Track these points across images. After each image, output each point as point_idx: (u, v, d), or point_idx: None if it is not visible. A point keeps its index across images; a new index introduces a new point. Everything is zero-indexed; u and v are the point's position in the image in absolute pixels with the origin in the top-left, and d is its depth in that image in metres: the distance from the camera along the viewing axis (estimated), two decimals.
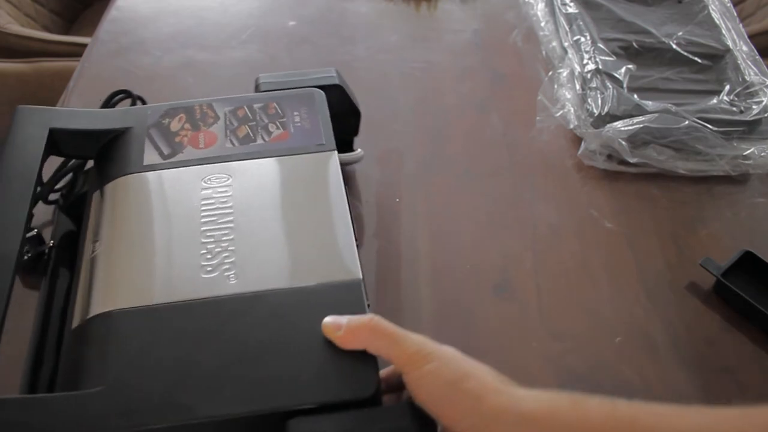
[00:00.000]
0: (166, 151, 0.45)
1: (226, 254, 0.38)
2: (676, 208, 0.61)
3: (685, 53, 0.71)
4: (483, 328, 0.50)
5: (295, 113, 0.48)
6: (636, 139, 0.60)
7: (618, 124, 0.61)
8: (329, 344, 0.34)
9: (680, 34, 0.72)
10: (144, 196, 0.42)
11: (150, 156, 0.44)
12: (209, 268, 0.38)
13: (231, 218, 0.40)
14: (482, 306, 0.52)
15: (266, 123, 0.47)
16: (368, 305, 0.38)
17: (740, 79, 0.68)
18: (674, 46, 0.71)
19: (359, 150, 0.58)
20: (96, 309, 0.36)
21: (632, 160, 0.61)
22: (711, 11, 0.76)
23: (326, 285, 0.37)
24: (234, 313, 0.36)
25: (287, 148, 0.45)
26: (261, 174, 0.44)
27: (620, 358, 0.49)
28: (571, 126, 0.64)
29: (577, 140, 0.65)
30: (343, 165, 0.48)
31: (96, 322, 0.36)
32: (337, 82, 0.53)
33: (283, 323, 0.35)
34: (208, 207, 0.41)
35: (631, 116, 0.61)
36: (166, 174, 0.43)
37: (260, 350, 0.34)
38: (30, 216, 0.41)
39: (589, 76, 0.66)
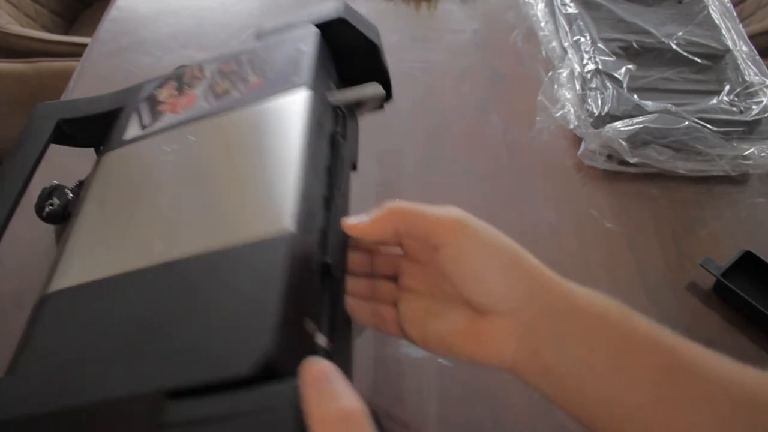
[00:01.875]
0: (146, 122, 0.43)
1: (163, 223, 0.35)
2: (676, 208, 0.61)
3: (685, 53, 0.71)
4: None
5: (280, 56, 0.43)
6: (636, 139, 0.61)
7: (618, 124, 0.61)
8: (220, 316, 0.28)
9: (680, 34, 0.72)
10: (112, 173, 0.41)
11: (131, 130, 0.43)
12: (143, 241, 0.35)
13: (178, 184, 0.37)
14: None
15: (247, 73, 0.43)
16: (327, 265, 0.33)
17: (740, 80, 0.68)
18: (674, 47, 0.71)
19: (373, 84, 0.45)
20: (44, 291, 0.35)
21: (632, 160, 0.61)
22: (711, 11, 0.76)
23: (248, 245, 0.31)
24: (148, 286, 0.32)
25: (258, 95, 0.40)
26: (221, 130, 0.39)
27: None
28: (571, 126, 0.64)
29: (577, 140, 0.65)
30: (356, 107, 0.44)
31: (36, 305, 0.35)
32: (339, 15, 0.45)
33: (187, 294, 0.31)
34: (161, 175, 0.38)
35: (631, 116, 0.61)
36: (135, 147, 0.41)
37: (156, 326, 0.30)
38: (19, 196, 0.41)
39: (589, 76, 0.66)
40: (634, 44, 0.71)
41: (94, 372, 0.29)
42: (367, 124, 0.57)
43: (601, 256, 0.56)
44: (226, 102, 0.41)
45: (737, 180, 0.63)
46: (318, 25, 0.44)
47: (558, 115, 0.66)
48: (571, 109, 0.65)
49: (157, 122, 0.42)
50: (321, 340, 0.30)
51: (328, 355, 0.29)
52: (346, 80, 0.46)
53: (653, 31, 0.72)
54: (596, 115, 0.62)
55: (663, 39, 0.72)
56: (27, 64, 1.04)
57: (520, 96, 0.71)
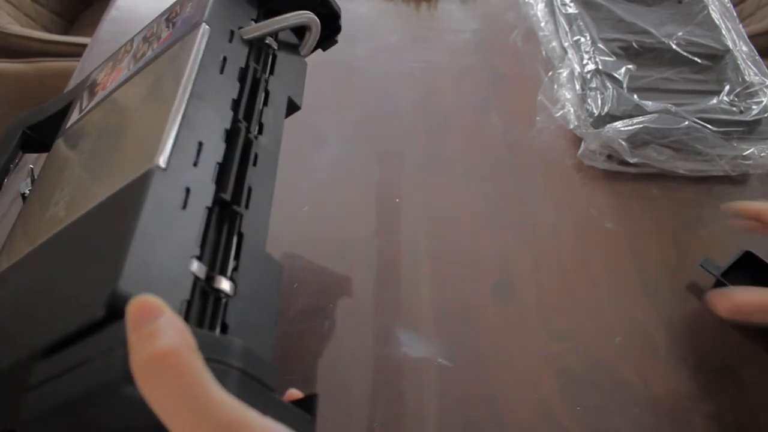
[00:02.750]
0: (84, 105, 0.42)
1: (67, 192, 0.34)
2: (676, 208, 0.61)
3: (685, 53, 0.71)
4: (483, 328, 0.50)
5: (190, 3, 0.41)
6: (636, 139, 0.61)
7: (618, 124, 0.61)
8: (85, 267, 0.27)
9: (680, 34, 0.72)
10: (51, 160, 0.41)
11: (73, 116, 0.42)
12: (52, 215, 0.34)
13: (87, 154, 0.36)
14: (482, 306, 0.52)
15: (162, 30, 0.41)
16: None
17: (740, 80, 0.68)
18: (674, 47, 0.71)
19: (300, 12, 0.41)
20: None
21: (632, 160, 0.61)
22: (711, 11, 0.76)
23: (121, 189, 0.29)
24: (42, 257, 0.31)
25: (165, 47, 0.39)
26: (130, 92, 0.38)
27: (620, 358, 0.49)
28: (571, 126, 0.64)
29: (577, 140, 0.65)
30: (296, 44, 0.43)
31: None
32: None
33: (66, 253, 0.29)
34: (77, 151, 0.38)
35: (631, 116, 0.61)
36: (71, 130, 0.41)
37: (37, 292, 0.29)
38: None
39: (589, 76, 0.66)
40: (634, 44, 0.71)
41: None
42: (367, 124, 0.57)
43: (601, 256, 0.56)
44: (141, 63, 0.40)
45: (737, 180, 0.63)
46: None
47: (558, 115, 0.66)
48: (571, 109, 0.65)
49: (90, 103, 0.42)
50: (222, 284, 0.28)
51: (229, 300, 0.28)
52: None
53: (653, 31, 0.72)
54: (596, 115, 0.62)
55: (663, 39, 0.72)
56: (27, 64, 1.04)
57: (520, 96, 0.71)
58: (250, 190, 0.33)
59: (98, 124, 0.38)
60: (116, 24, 0.78)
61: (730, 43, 0.72)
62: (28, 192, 0.43)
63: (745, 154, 0.62)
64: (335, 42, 0.47)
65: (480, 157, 0.64)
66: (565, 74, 0.69)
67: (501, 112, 0.69)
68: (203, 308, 0.27)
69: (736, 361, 0.49)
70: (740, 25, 0.76)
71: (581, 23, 0.72)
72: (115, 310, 0.23)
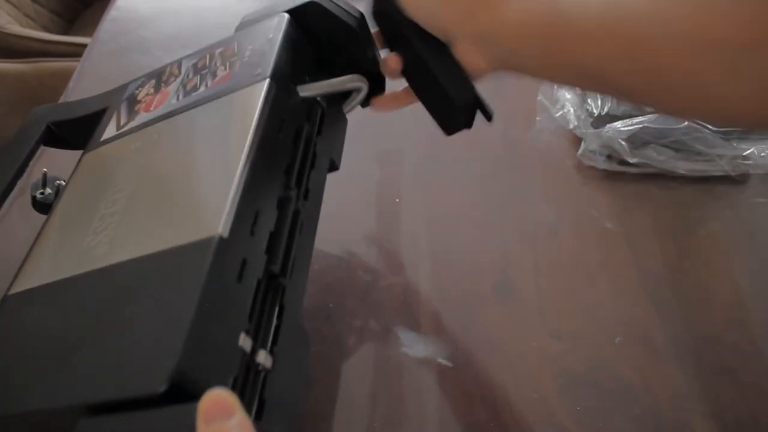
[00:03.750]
0: (123, 122, 0.42)
1: (111, 226, 0.33)
2: (676, 208, 0.61)
3: None
4: (483, 328, 0.50)
5: (249, 47, 0.40)
6: (636, 139, 0.61)
7: (618, 124, 0.61)
8: (139, 329, 0.27)
9: None
10: (83, 175, 0.40)
11: (109, 131, 0.42)
12: (90, 244, 0.33)
13: (133, 186, 0.36)
14: (482, 306, 0.52)
15: (217, 67, 0.41)
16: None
17: None
18: None
19: (354, 75, 0.42)
20: (7, 291, 0.35)
21: (632, 161, 0.61)
22: None
23: (176, 249, 0.29)
24: (82, 293, 0.31)
25: (221, 90, 0.38)
26: (180, 128, 0.38)
27: (620, 358, 0.49)
28: (571, 126, 0.64)
29: (577, 140, 0.65)
30: (340, 102, 0.43)
31: None
32: None
33: (114, 303, 0.29)
34: (119, 177, 0.37)
35: (631, 116, 0.61)
36: (107, 148, 0.41)
37: (83, 338, 0.28)
38: (4, 195, 0.41)
39: None
40: None
41: (20, 382, 0.28)
42: (367, 123, 0.57)
43: (601, 256, 0.56)
44: (192, 98, 0.39)
45: (737, 180, 0.63)
46: (292, 12, 0.41)
47: (558, 115, 0.66)
48: (571, 109, 0.65)
49: (131, 122, 0.41)
50: (262, 357, 0.28)
51: (268, 374, 0.28)
52: (332, 72, 0.43)
53: None
54: (596, 115, 0.62)
55: None
56: (27, 64, 1.04)
57: (519, 96, 0.70)
58: (295, 258, 0.33)
59: (143, 157, 0.37)
60: (116, 24, 0.78)
61: None
62: (41, 197, 0.43)
63: (745, 154, 0.62)
64: (370, 104, 0.48)
65: (480, 157, 0.64)
66: None
67: (501, 112, 0.69)
68: (244, 383, 0.27)
69: (736, 362, 0.49)
70: None
71: None
72: (174, 387, 0.23)
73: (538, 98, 0.68)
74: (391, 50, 0.44)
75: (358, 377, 0.46)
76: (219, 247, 0.27)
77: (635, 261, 0.56)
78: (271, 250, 0.31)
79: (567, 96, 0.67)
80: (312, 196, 0.37)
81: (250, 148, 0.32)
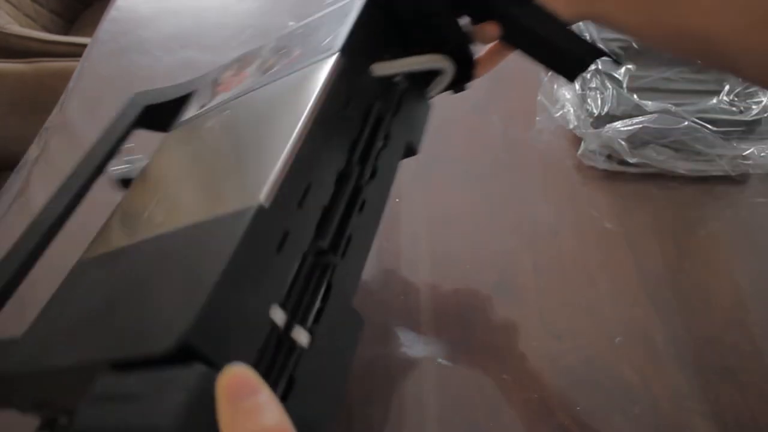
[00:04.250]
0: (203, 103, 0.43)
1: (169, 197, 0.34)
2: (676, 208, 0.61)
3: None
4: (483, 328, 0.50)
5: (326, 26, 0.39)
6: (636, 140, 0.61)
7: (618, 124, 0.61)
8: (167, 293, 0.26)
9: None
10: (161, 152, 0.42)
11: (190, 111, 0.43)
12: (150, 216, 0.34)
13: (195, 160, 0.36)
14: (482, 305, 0.52)
15: (294, 46, 0.40)
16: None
17: (740, 79, 0.68)
18: None
19: (434, 55, 0.40)
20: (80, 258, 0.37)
21: (632, 161, 0.61)
22: None
23: (218, 218, 0.28)
24: (132, 260, 0.31)
25: (293, 67, 0.37)
26: (251, 105, 0.38)
27: (620, 358, 0.49)
28: (571, 126, 0.64)
29: (577, 140, 0.65)
30: (423, 85, 0.41)
31: (70, 270, 0.36)
32: None
33: (154, 268, 0.29)
34: (188, 153, 0.38)
35: (630, 116, 0.61)
36: (185, 126, 0.42)
37: (120, 301, 0.29)
38: (96, 173, 0.41)
39: (588, 76, 0.66)
40: (634, 44, 0.71)
41: (62, 341, 0.29)
42: None
43: (601, 256, 0.56)
44: (266, 77, 0.39)
45: (737, 180, 0.63)
46: None
47: (558, 115, 0.66)
48: (570, 109, 0.65)
49: (210, 102, 0.42)
50: (298, 334, 0.27)
51: (303, 353, 0.27)
52: (417, 53, 0.40)
53: None
54: (596, 115, 0.62)
55: None
56: (27, 64, 1.04)
57: (520, 96, 0.70)
58: (350, 238, 0.32)
59: (211, 133, 0.38)
60: (116, 24, 0.78)
61: None
62: (124, 171, 0.44)
63: (745, 154, 0.62)
64: (464, 89, 0.45)
65: (480, 157, 0.64)
66: None
67: (501, 112, 0.69)
68: (274, 358, 0.26)
69: (736, 362, 0.49)
70: None
71: (581, 23, 0.72)
72: (185, 350, 0.22)
73: (538, 98, 0.68)
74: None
75: (358, 377, 0.46)
76: (256, 215, 0.26)
77: (635, 261, 0.56)
78: (322, 225, 0.30)
79: (567, 96, 0.67)
80: (380, 176, 0.36)
81: (308, 120, 0.31)
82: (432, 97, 0.44)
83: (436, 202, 0.60)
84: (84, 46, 0.76)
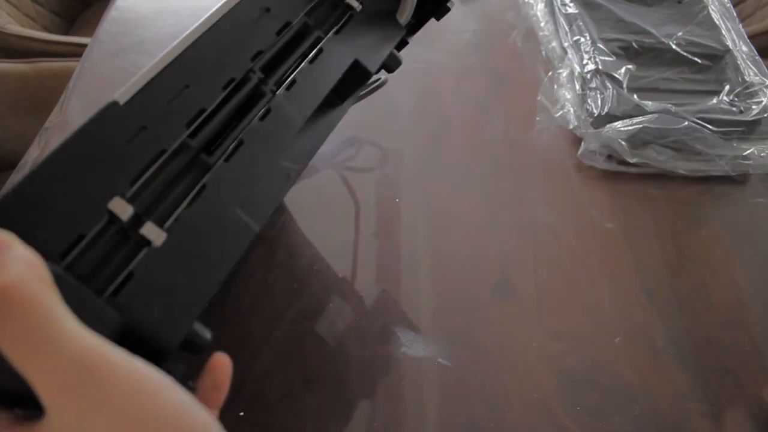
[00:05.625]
0: None
1: None
2: (676, 208, 0.61)
3: (685, 53, 0.71)
4: (483, 328, 0.50)
5: None
6: (636, 140, 0.61)
7: (618, 124, 0.61)
8: None
9: (680, 34, 0.72)
10: None
11: None
12: None
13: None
14: (482, 306, 0.52)
15: None
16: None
17: (740, 80, 0.68)
18: (674, 47, 0.71)
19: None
20: None
21: (632, 161, 0.61)
22: (711, 11, 0.76)
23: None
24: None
25: None
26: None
27: (620, 358, 0.49)
28: (571, 126, 0.64)
29: (577, 140, 0.65)
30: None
31: None
32: None
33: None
34: None
35: (630, 116, 0.61)
36: None
37: None
38: None
39: (588, 76, 0.66)
40: (634, 44, 0.71)
41: None
42: (367, 123, 0.57)
43: (601, 256, 0.56)
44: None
45: (737, 180, 0.63)
46: None
47: (558, 115, 0.66)
48: (571, 110, 0.65)
49: None
50: (151, 231, 0.26)
51: (153, 251, 0.26)
52: None
53: (653, 31, 0.72)
54: (596, 115, 0.62)
55: (663, 39, 0.72)
56: (27, 64, 1.04)
57: (520, 96, 0.71)
58: (241, 143, 0.31)
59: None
60: (116, 24, 0.78)
61: (729, 43, 0.72)
62: None
63: (745, 154, 0.62)
64: (448, 9, 0.42)
65: (480, 158, 0.64)
66: (565, 74, 0.69)
67: (501, 112, 0.69)
68: (113, 251, 0.26)
69: (736, 362, 0.49)
70: (740, 25, 0.76)
71: (581, 23, 0.72)
72: None
73: (538, 98, 0.68)
74: None
75: (358, 377, 0.46)
76: (105, 109, 0.27)
77: (635, 261, 0.56)
78: (201, 126, 0.30)
79: (567, 96, 0.67)
80: (302, 90, 0.35)
81: (201, 27, 0.32)
82: (406, 22, 0.42)
83: (437, 202, 0.60)
84: (84, 46, 0.76)
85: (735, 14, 0.78)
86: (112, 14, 0.80)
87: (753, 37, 0.76)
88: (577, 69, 0.68)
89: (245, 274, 0.52)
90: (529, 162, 0.64)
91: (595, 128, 0.62)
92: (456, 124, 0.68)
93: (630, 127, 0.60)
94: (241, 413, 0.44)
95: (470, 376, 0.47)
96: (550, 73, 0.71)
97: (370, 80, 0.41)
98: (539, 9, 0.79)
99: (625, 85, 0.65)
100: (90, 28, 0.91)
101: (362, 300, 0.51)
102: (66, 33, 1.30)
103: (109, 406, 0.19)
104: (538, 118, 0.67)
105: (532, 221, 0.58)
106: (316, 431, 0.44)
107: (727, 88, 0.67)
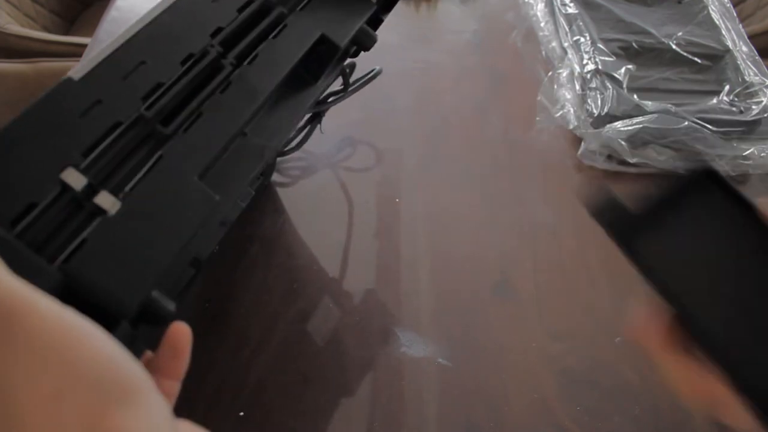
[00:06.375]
0: None
1: None
2: None
3: (685, 53, 0.71)
4: (482, 328, 0.50)
5: None
6: (636, 140, 0.61)
7: (618, 124, 0.61)
8: None
9: (680, 34, 0.72)
10: None
11: None
12: None
13: None
14: (482, 306, 0.52)
15: None
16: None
17: (740, 80, 0.68)
18: (674, 47, 0.71)
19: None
20: None
21: (632, 161, 0.61)
22: (711, 11, 0.76)
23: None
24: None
25: None
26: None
27: (620, 358, 0.49)
28: (571, 126, 0.64)
29: (577, 140, 0.65)
30: None
31: None
32: None
33: None
34: None
35: (630, 116, 0.61)
36: None
37: None
38: None
39: (588, 76, 0.66)
40: (634, 44, 0.71)
41: None
42: (367, 123, 0.57)
43: (601, 256, 0.56)
44: None
45: (737, 180, 0.63)
46: None
47: (558, 115, 0.66)
48: (571, 110, 0.65)
49: None
50: (104, 200, 0.27)
51: (107, 220, 0.27)
52: None
53: (653, 31, 0.72)
54: (596, 115, 0.62)
55: (663, 39, 0.72)
56: (27, 64, 1.04)
57: (519, 96, 0.71)
58: (200, 115, 0.32)
59: None
60: (116, 24, 0.78)
61: (729, 43, 0.72)
62: None
63: (745, 154, 0.62)
64: None
65: (479, 157, 0.64)
66: (565, 74, 0.69)
67: (501, 112, 0.69)
68: (67, 220, 0.26)
69: None
70: (740, 25, 0.76)
71: (581, 23, 0.72)
72: None
73: (538, 98, 0.68)
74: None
75: (358, 377, 0.46)
76: (59, 86, 0.28)
77: None
78: (157, 99, 0.31)
79: (567, 96, 0.67)
80: (264, 63, 0.35)
81: (158, 8, 0.33)
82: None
83: (436, 202, 0.60)
84: (84, 46, 0.76)
85: (735, 14, 0.78)
86: (112, 14, 0.80)
87: (753, 37, 0.76)
88: (577, 69, 0.68)
89: (245, 275, 0.52)
90: (528, 162, 0.64)
91: (595, 128, 0.62)
92: (456, 124, 0.68)
93: (630, 127, 0.60)
94: (241, 413, 0.44)
95: (470, 377, 0.47)
96: (550, 73, 0.71)
97: (367, 72, 0.41)
98: (539, 9, 0.79)
99: (625, 85, 0.65)
100: (90, 28, 0.91)
101: (362, 300, 0.51)
102: (66, 33, 1.30)
103: (30, 349, 0.19)
104: (538, 119, 0.67)
105: (531, 221, 0.58)
106: (315, 431, 0.44)
107: (727, 88, 0.67)
